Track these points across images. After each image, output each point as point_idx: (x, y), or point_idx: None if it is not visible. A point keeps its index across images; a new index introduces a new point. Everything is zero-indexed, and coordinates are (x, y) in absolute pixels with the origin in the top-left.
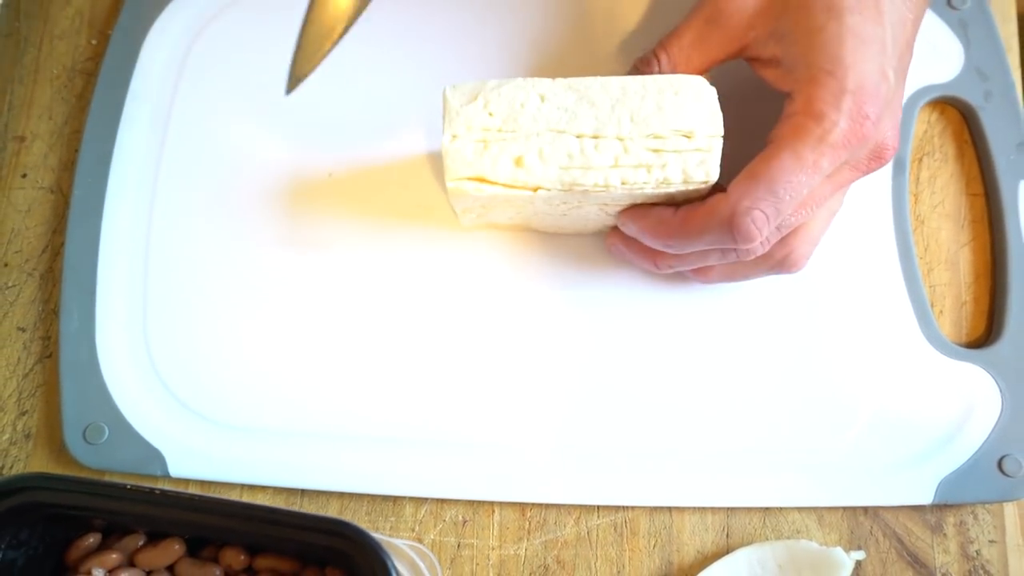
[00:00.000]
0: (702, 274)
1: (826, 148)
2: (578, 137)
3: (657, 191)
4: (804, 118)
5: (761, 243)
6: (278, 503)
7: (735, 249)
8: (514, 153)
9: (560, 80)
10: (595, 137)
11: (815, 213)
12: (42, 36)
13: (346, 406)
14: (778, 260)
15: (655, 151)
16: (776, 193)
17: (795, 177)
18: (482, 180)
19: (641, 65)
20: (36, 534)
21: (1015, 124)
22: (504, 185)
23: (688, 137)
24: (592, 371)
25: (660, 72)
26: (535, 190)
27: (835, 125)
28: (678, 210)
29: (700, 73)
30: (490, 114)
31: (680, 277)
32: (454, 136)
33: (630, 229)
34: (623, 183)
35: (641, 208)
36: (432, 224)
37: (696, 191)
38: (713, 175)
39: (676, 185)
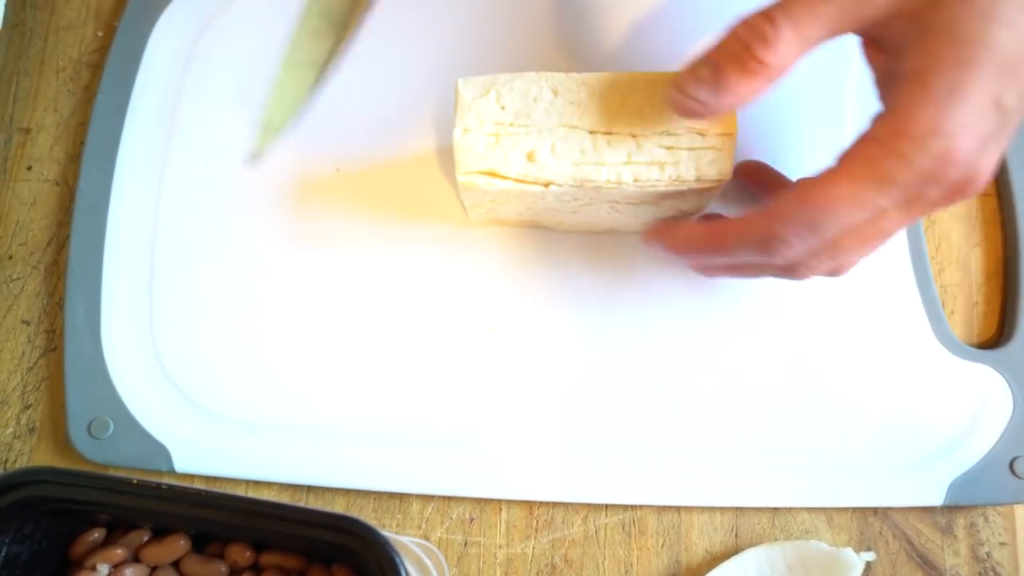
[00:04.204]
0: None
1: (893, 189)
2: (591, 133)
3: (669, 189)
4: (879, 149)
5: (801, 265)
6: (284, 499)
7: (770, 264)
8: (526, 148)
9: (574, 75)
10: (608, 133)
11: (870, 241)
12: (48, 27)
13: (353, 402)
14: (822, 272)
15: (668, 148)
16: (817, 225)
17: (846, 213)
18: (493, 174)
19: (745, 32)
20: (40, 529)
21: None
22: (516, 180)
23: (702, 135)
24: (601, 369)
25: (771, 41)
26: (547, 185)
27: (909, 166)
28: (707, 224)
29: (816, 45)
30: (502, 108)
31: (692, 275)
32: (466, 130)
33: (656, 249)
34: (635, 180)
35: (663, 227)
36: (440, 220)
37: (709, 190)
38: (727, 174)
39: (689, 183)
